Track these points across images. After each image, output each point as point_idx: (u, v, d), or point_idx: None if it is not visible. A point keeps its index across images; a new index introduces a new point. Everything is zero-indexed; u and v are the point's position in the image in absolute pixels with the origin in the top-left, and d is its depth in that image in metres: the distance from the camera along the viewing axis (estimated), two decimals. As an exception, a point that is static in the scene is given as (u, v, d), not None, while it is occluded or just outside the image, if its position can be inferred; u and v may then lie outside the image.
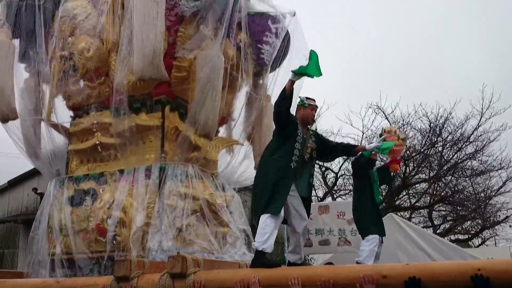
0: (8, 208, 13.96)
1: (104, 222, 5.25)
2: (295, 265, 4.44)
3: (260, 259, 4.10)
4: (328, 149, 4.72)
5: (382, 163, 7.11)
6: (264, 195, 4.24)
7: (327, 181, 18.62)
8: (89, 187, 5.57)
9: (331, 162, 17.88)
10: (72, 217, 5.46)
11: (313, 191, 19.77)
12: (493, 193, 17.31)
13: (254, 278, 3.84)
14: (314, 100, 4.62)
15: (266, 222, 4.14)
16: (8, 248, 13.03)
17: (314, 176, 4.66)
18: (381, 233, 5.52)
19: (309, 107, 4.56)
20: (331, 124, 34.38)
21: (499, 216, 17.81)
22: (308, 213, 4.52)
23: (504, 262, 3.37)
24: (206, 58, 5.37)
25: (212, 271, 4.22)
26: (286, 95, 4.25)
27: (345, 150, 4.93)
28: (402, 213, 17.94)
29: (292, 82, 4.24)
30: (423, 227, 16.25)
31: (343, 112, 25.71)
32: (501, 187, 17.17)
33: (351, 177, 6.18)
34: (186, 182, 5.38)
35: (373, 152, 5.38)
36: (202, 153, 5.83)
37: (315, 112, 4.66)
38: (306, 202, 4.51)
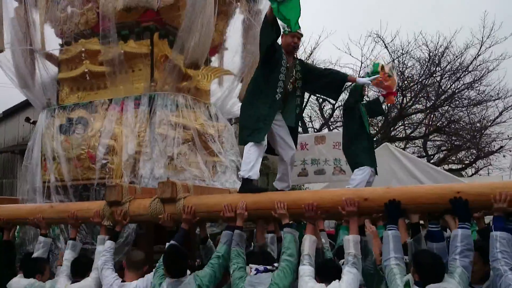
0: (4, 138, 14.05)
1: (95, 150, 5.31)
2: None
3: (247, 186, 4.20)
4: (315, 78, 4.57)
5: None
6: (248, 126, 4.27)
7: (324, 112, 18.67)
8: (80, 116, 5.58)
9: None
10: (64, 145, 5.50)
11: (310, 123, 19.95)
12: (489, 123, 17.40)
13: (242, 202, 3.94)
14: (299, 29, 4.37)
15: (250, 151, 4.20)
16: (7, 178, 13.26)
17: (302, 107, 4.59)
18: (373, 164, 5.60)
19: (289, 34, 4.36)
20: (329, 54, 33.84)
21: (494, 146, 18.00)
22: (296, 143, 4.55)
23: (482, 185, 3.46)
24: (195, -18, 5.18)
25: (201, 196, 4.33)
26: (268, 21, 4.10)
27: (335, 79, 4.61)
28: (397, 143, 18.10)
29: (271, 9, 4.01)
30: (417, 157, 16.49)
31: (342, 41, 25.19)
32: (497, 117, 17.23)
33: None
34: (177, 111, 5.39)
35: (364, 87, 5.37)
36: (193, 83, 5.80)
37: (298, 39, 4.46)
38: (294, 132, 4.52)
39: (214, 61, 6.75)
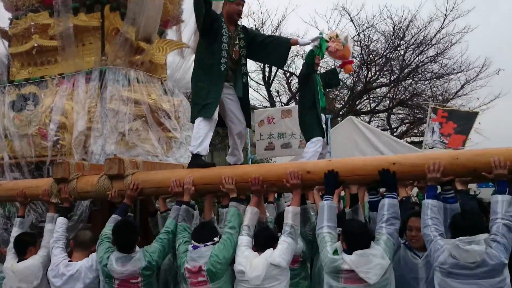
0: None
1: (46, 127, 5.21)
2: None
3: (195, 161, 4.21)
4: (259, 46, 4.50)
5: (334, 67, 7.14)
6: (197, 101, 4.27)
7: (291, 86, 18.72)
8: (30, 92, 5.46)
9: (295, 67, 17.84)
10: (15, 122, 5.39)
11: (278, 97, 19.97)
12: (451, 96, 17.79)
13: (188, 177, 3.96)
14: None
15: (200, 126, 4.21)
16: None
17: (247, 75, 4.55)
18: (324, 135, 5.68)
19: (234, 2, 4.32)
20: (296, 27, 33.67)
21: (455, 119, 18.42)
22: (248, 115, 4.55)
23: (417, 156, 3.58)
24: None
25: (150, 172, 4.33)
26: None
27: (278, 45, 4.51)
28: (362, 117, 18.38)
29: None
30: (381, 130, 16.85)
31: (308, 15, 25.17)
32: (459, 90, 17.63)
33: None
34: (129, 86, 5.31)
35: (316, 56, 5.36)
36: (147, 56, 5.71)
37: (242, 7, 4.39)
38: (245, 104, 4.52)
39: (172, 33, 6.64)
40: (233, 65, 4.37)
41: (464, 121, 8.86)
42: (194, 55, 6.31)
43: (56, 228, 4.15)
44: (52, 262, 3.97)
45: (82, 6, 5.59)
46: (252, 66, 17.26)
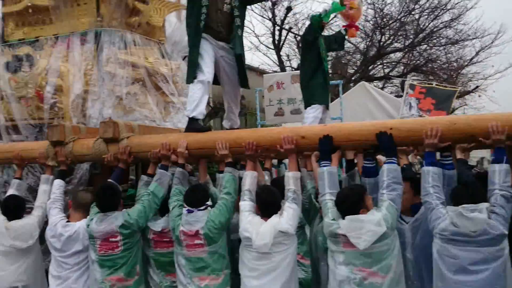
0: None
1: (43, 89, 5.14)
2: None
3: (191, 125, 4.13)
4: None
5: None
6: (190, 64, 4.15)
7: (300, 51, 18.33)
8: (25, 53, 5.35)
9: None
10: (11, 83, 5.31)
11: (288, 61, 19.66)
12: (466, 63, 17.35)
13: (182, 141, 3.90)
14: None
15: (194, 90, 4.11)
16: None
17: (242, 27, 4.34)
18: (325, 101, 5.51)
19: None
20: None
21: (470, 86, 18.06)
22: (244, 73, 4.36)
23: (414, 122, 3.46)
24: None
25: (144, 136, 4.28)
26: None
27: None
28: (375, 82, 18.07)
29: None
30: (395, 97, 16.53)
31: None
32: (473, 57, 17.19)
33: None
34: (126, 49, 5.18)
35: (322, 19, 5.17)
36: (145, 18, 5.56)
37: None
38: (240, 61, 4.31)
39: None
40: (225, 19, 4.20)
41: (443, 98, 8.70)
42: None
43: (53, 190, 4.16)
44: (50, 222, 3.98)
45: (78, -37, 5.41)
46: (261, 29, 16.96)
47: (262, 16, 18.13)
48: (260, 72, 16.57)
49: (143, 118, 5.14)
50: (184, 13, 6.16)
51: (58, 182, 4.20)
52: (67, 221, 3.94)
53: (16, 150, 4.52)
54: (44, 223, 4.16)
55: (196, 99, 4.10)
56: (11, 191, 4.35)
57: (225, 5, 4.19)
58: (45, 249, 4.17)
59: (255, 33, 17.61)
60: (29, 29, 5.56)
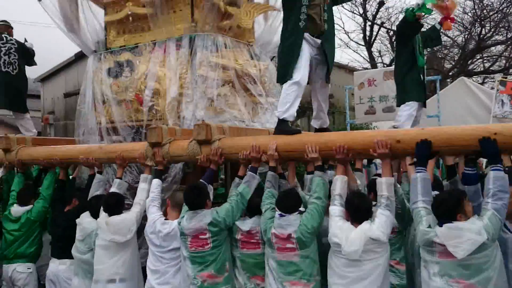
0: (78, 80, 14.66)
1: (142, 92, 5.44)
2: (320, 131, 4.46)
3: (281, 127, 4.14)
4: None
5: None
6: (285, 64, 4.13)
7: (395, 46, 17.71)
8: (126, 59, 5.69)
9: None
10: (112, 88, 5.68)
11: (380, 58, 19.07)
12: None
13: (272, 143, 3.93)
14: None
15: (287, 91, 4.09)
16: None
17: (331, 21, 4.33)
18: (420, 98, 5.28)
19: None
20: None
21: None
22: (328, 68, 4.32)
23: (522, 126, 3.15)
24: None
25: (235, 137, 4.36)
26: None
27: None
28: (475, 77, 16.99)
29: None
30: (496, 93, 15.38)
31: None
32: None
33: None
34: (217, 52, 5.32)
35: (417, 13, 4.95)
36: (235, 21, 5.67)
37: None
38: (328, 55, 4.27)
39: (259, -4, 6.51)
40: (321, 13, 4.17)
41: None
42: (277, 18, 6.23)
43: (151, 189, 4.40)
44: (149, 219, 4.21)
45: (173, -27, 5.65)
46: (351, 25, 16.61)
47: (352, 12, 17.78)
48: (350, 70, 16.26)
49: (232, 119, 5.24)
50: (272, 14, 6.28)
51: (156, 182, 4.43)
52: (165, 219, 4.15)
53: (119, 151, 4.82)
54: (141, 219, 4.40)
55: (289, 101, 4.08)
56: (112, 190, 4.65)
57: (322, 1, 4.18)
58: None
59: (344, 30, 17.30)
60: (129, 36, 5.91)
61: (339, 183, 3.60)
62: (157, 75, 5.35)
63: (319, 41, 4.17)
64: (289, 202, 3.63)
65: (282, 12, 5.90)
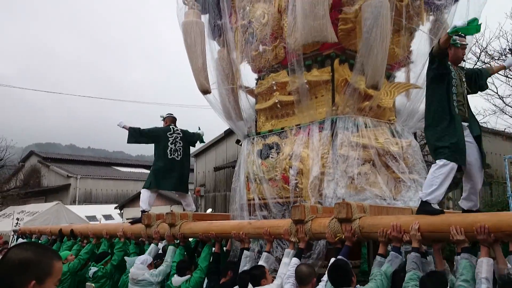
0: (226, 155, 15.99)
1: (287, 172, 5.88)
2: (469, 212, 4.33)
3: (423, 208, 4.13)
4: (474, 79, 4.58)
5: None
6: (439, 148, 4.14)
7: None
8: (273, 141, 6.28)
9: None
10: (262, 168, 6.26)
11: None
12: None
13: (415, 223, 3.94)
14: (465, 38, 4.34)
15: (435, 174, 4.07)
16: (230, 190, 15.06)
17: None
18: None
19: (461, 46, 4.33)
20: None
21: None
22: (482, 153, 4.26)
23: None
24: (370, 7, 5.37)
25: (376, 216, 4.44)
26: (441, 49, 4.11)
27: (487, 74, 4.75)
28: None
29: (448, 38, 4.05)
30: None
31: None
32: None
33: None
34: (357, 132, 5.59)
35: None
36: (375, 102, 5.92)
37: (465, 49, 4.43)
38: (479, 140, 4.26)
39: (400, 75, 6.72)
40: (465, 101, 4.31)
41: None
42: (418, 95, 6.31)
43: (289, 267, 4.62)
44: None
45: (314, 62, 6.20)
46: (506, 90, 15.51)
47: (506, 77, 16.72)
48: (507, 136, 15.04)
49: (373, 197, 5.34)
50: (412, 91, 6.39)
51: (294, 261, 4.62)
52: None
53: (266, 227, 5.22)
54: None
55: (435, 184, 4.05)
56: (260, 263, 4.99)
57: (464, 89, 4.37)
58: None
59: (498, 95, 16.18)
60: (276, 121, 6.54)
61: (485, 266, 3.44)
62: (300, 156, 5.78)
63: (465, 124, 4.23)
64: (434, 285, 3.55)
65: (422, 89, 6.12)
